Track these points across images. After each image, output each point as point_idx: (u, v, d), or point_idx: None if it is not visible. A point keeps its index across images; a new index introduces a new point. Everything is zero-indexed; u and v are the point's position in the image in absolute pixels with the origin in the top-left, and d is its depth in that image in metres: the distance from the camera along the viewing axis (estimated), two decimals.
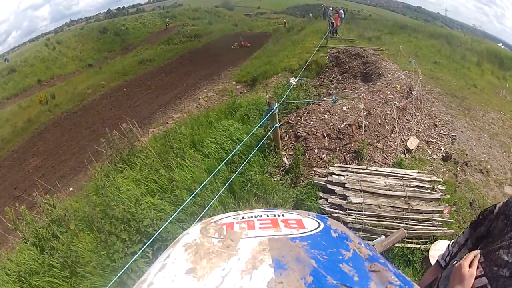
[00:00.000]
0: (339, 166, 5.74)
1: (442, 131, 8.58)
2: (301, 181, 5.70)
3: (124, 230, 4.27)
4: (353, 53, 14.58)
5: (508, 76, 20.42)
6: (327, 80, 13.44)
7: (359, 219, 4.60)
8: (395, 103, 7.53)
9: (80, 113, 18.78)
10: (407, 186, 5.14)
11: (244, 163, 5.47)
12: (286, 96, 8.11)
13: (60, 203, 5.28)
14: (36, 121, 18.81)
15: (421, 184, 5.23)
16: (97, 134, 13.90)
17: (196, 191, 4.50)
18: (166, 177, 5.49)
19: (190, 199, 4.45)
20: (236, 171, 5.29)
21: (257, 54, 23.70)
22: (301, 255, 0.62)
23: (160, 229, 3.79)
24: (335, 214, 4.66)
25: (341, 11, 28.19)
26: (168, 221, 3.88)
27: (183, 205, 4.16)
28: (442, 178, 6.21)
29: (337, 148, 6.34)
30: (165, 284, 0.59)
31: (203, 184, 4.61)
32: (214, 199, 4.59)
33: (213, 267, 0.60)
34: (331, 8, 27.95)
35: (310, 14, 44.53)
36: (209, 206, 4.41)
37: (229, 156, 5.29)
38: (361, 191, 4.97)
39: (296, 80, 11.21)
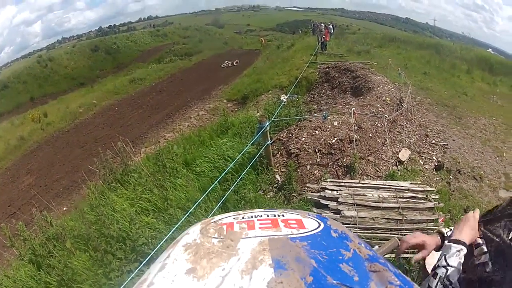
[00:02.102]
0: (331, 181, 5.74)
1: (433, 141, 8.65)
2: (294, 197, 5.70)
3: (120, 249, 4.28)
4: (342, 68, 14.69)
5: (498, 81, 20.66)
6: (317, 96, 13.52)
7: (354, 232, 4.60)
8: (385, 116, 7.59)
9: (72, 132, 18.73)
10: (400, 197, 5.16)
11: (237, 181, 5.47)
12: (277, 113, 8.15)
13: (56, 221, 5.26)
14: (29, 139, 18.78)
15: (414, 195, 5.24)
16: (89, 154, 13.80)
17: (190, 210, 4.44)
18: (160, 196, 5.47)
19: (185, 218, 4.42)
20: (229, 189, 5.24)
21: (247, 72, 23.78)
22: (301, 255, 0.63)
23: (156, 249, 3.73)
24: None
25: (331, 26, 28.43)
26: (164, 240, 3.82)
27: (178, 224, 4.13)
28: (435, 187, 6.23)
29: (329, 163, 6.37)
30: (165, 284, 0.59)
31: (197, 203, 4.55)
32: (209, 217, 4.54)
33: (213, 267, 0.61)
34: (322, 24, 28.22)
35: (300, 30, 44.87)
36: None
37: (222, 174, 5.29)
38: (354, 205, 4.97)
39: (286, 97, 11.28)
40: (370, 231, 4.64)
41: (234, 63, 27.81)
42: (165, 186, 5.69)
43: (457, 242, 1.39)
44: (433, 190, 5.63)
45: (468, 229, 1.44)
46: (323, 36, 20.49)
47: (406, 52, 23.85)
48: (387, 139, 7.33)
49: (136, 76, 28.68)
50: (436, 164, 7.61)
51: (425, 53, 24.04)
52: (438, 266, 1.37)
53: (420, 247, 1.57)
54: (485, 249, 1.36)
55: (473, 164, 7.93)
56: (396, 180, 6.13)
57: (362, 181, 5.72)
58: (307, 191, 5.72)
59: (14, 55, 75.52)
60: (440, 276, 1.33)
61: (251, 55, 32.47)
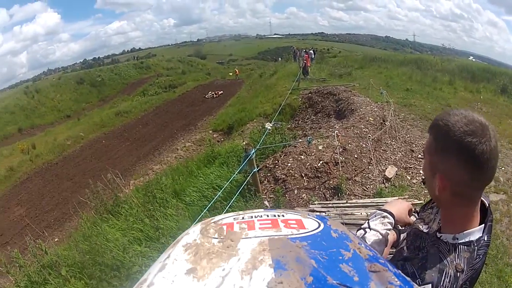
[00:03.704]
0: (319, 203, 5.82)
1: (419, 156, 8.70)
2: None
3: (114, 277, 4.31)
4: (325, 92, 14.88)
5: (481, 87, 20.76)
6: (301, 121, 13.69)
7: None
8: (369, 136, 7.70)
9: (61, 164, 18.55)
10: None
11: (226, 208, 5.48)
12: (262, 141, 8.18)
13: (50, 250, 5.24)
14: (18, 170, 18.49)
15: None
16: (78, 186, 13.64)
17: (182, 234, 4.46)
18: (151, 226, 5.49)
19: None
20: None
21: (231, 102, 23.89)
22: (301, 255, 0.62)
23: None
24: None
25: (311, 51, 28.85)
26: None
27: None
28: (424, 201, 6.28)
29: (316, 186, 6.43)
30: (165, 284, 0.59)
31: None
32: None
33: (213, 267, 0.60)
34: (304, 50, 28.57)
35: (280, 58, 45.42)
36: None
37: (211, 202, 5.28)
38: (343, 224, 5.00)
39: (271, 125, 11.28)
40: None
41: (218, 94, 27.88)
42: (156, 216, 5.72)
43: (383, 210, 1.42)
44: (422, 203, 5.68)
45: (397, 206, 1.47)
46: (305, 62, 20.72)
47: (387, 70, 24.06)
48: (372, 158, 7.43)
49: (122, 109, 28.57)
50: (423, 177, 7.66)
51: (406, 70, 24.14)
52: (360, 229, 1.41)
53: None
54: (406, 235, 1.42)
55: None
56: (384, 197, 6.20)
57: (350, 201, 5.80)
58: None
59: (1, 85, 75.08)
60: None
61: (234, 85, 32.61)
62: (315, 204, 5.82)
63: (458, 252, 1.09)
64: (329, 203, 5.77)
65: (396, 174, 7.57)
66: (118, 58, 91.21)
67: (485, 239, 1.11)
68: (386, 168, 7.61)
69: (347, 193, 6.43)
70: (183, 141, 17.65)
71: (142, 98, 35.37)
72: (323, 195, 6.30)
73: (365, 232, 1.36)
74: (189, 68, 63.57)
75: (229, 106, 22.44)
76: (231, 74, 40.52)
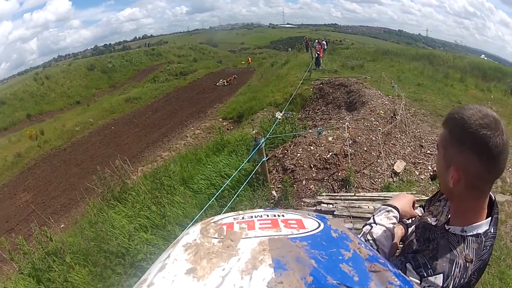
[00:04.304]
0: (327, 195, 5.80)
1: (428, 151, 8.66)
2: None
3: (119, 264, 4.34)
4: (336, 83, 14.74)
5: (492, 86, 20.42)
6: (312, 112, 13.58)
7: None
8: (379, 129, 7.66)
9: (69, 150, 18.68)
10: None
11: (234, 197, 5.52)
12: (272, 130, 8.18)
13: (55, 236, 5.29)
14: (26, 156, 18.64)
15: None
16: (86, 172, 13.78)
17: (189, 227, 4.46)
18: (157, 213, 5.53)
19: None
20: (226, 206, 5.30)
21: (242, 90, 23.81)
22: (301, 255, 0.62)
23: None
24: None
25: (324, 42, 28.70)
26: None
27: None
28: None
29: (325, 178, 6.41)
30: (165, 284, 0.58)
31: (194, 219, 4.59)
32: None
33: (213, 267, 0.60)
34: (316, 41, 28.34)
35: (289, 49, 45.02)
36: None
37: (219, 191, 5.29)
38: (350, 217, 5.01)
39: (281, 114, 11.32)
40: None
41: (230, 81, 27.75)
42: (163, 203, 5.75)
43: (388, 205, 1.45)
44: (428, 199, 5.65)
45: (401, 199, 1.50)
46: (317, 52, 20.58)
47: (399, 64, 23.74)
48: (382, 152, 7.38)
49: (132, 95, 28.60)
50: (432, 173, 7.62)
51: (418, 65, 23.83)
52: (366, 224, 1.43)
53: None
54: (414, 228, 1.45)
55: None
56: (392, 191, 6.18)
57: (358, 194, 5.77)
58: (303, 205, 5.75)
59: (11, 72, 75.51)
60: (364, 232, 1.39)
61: (245, 73, 32.55)
62: (322, 195, 5.80)
63: (467, 244, 1.12)
64: (337, 195, 5.76)
65: (405, 169, 7.53)
66: (130, 44, 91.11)
67: (492, 231, 1.15)
68: (395, 162, 7.57)
69: (355, 185, 6.41)
70: (192, 128, 17.67)
71: (153, 84, 35.28)
72: (331, 187, 6.28)
73: (371, 227, 1.38)
74: (201, 56, 63.31)
75: (239, 95, 22.39)
76: (243, 62, 40.38)
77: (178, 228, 5.12)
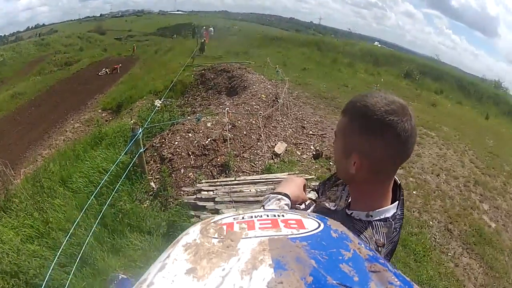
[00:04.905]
0: (206, 182, 5.84)
1: (310, 132, 9.09)
2: (171, 203, 5.63)
3: (15, 285, 4.07)
4: (219, 69, 14.90)
5: (383, 71, 22.22)
6: (191, 98, 13.55)
7: None
8: (260, 113, 7.81)
9: None
10: None
11: (113, 193, 5.30)
12: (150, 119, 8.00)
13: None
14: None
15: None
16: None
17: (70, 232, 4.27)
18: (41, 220, 5.21)
19: (67, 241, 4.17)
20: (106, 204, 5.07)
21: (123, 79, 23.01)
22: (301, 255, 0.61)
23: (46, 278, 3.48)
24: None
25: (211, 28, 28.97)
26: (51, 268, 3.59)
27: (61, 249, 3.87)
28: (315, 175, 6.54)
29: (203, 165, 6.41)
30: (165, 284, 0.56)
31: (75, 223, 4.37)
32: (89, 236, 4.39)
33: (213, 267, 0.58)
34: (204, 27, 28.45)
35: (175, 35, 44.70)
36: (85, 244, 4.22)
37: (97, 188, 5.09)
38: (232, 202, 5.10)
39: (160, 102, 11.10)
40: None
41: (114, 71, 26.52)
42: (45, 208, 5.45)
43: (277, 193, 1.39)
44: (313, 178, 5.94)
45: (290, 185, 1.46)
46: (204, 38, 20.64)
47: (286, 50, 24.70)
48: (262, 135, 7.56)
49: (18, 90, 25.79)
50: (315, 153, 7.98)
51: (306, 50, 24.98)
52: None
53: None
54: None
55: None
56: (273, 173, 6.36)
57: (238, 178, 5.87)
58: (183, 195, 5.74)
59: None
60: None
61: (130, 61, 31.44)
62: (202, 183, 5.83)
63: (376, 228, 1.13)
64: (217, 181, 5.83)
65: (286, 150, 7.79)
66: (22, 35, 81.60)
67: (399, 213, 1.16)
68: (275, 144, 7.78)
69: (235, 170, 6.50)
70: (72, 122, 16.51)
71: (38, 77, 32.33)
72: (211, 173, 6.29)
73: None
74: (87, 45, 59.26)
75: (120, 84, 21.59)
76: (129, 50, 38.80)
77: (62, 234, 4.83)
